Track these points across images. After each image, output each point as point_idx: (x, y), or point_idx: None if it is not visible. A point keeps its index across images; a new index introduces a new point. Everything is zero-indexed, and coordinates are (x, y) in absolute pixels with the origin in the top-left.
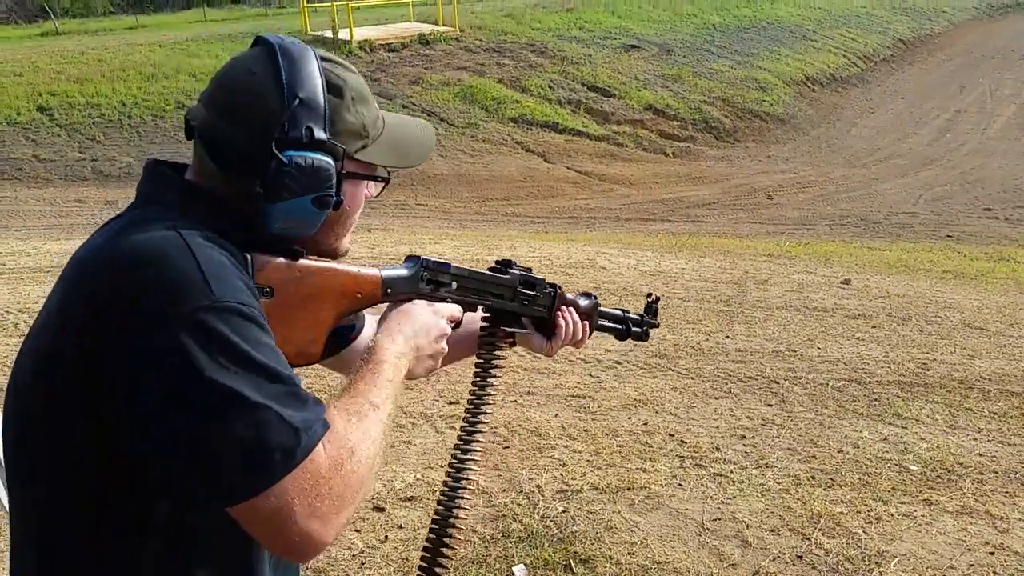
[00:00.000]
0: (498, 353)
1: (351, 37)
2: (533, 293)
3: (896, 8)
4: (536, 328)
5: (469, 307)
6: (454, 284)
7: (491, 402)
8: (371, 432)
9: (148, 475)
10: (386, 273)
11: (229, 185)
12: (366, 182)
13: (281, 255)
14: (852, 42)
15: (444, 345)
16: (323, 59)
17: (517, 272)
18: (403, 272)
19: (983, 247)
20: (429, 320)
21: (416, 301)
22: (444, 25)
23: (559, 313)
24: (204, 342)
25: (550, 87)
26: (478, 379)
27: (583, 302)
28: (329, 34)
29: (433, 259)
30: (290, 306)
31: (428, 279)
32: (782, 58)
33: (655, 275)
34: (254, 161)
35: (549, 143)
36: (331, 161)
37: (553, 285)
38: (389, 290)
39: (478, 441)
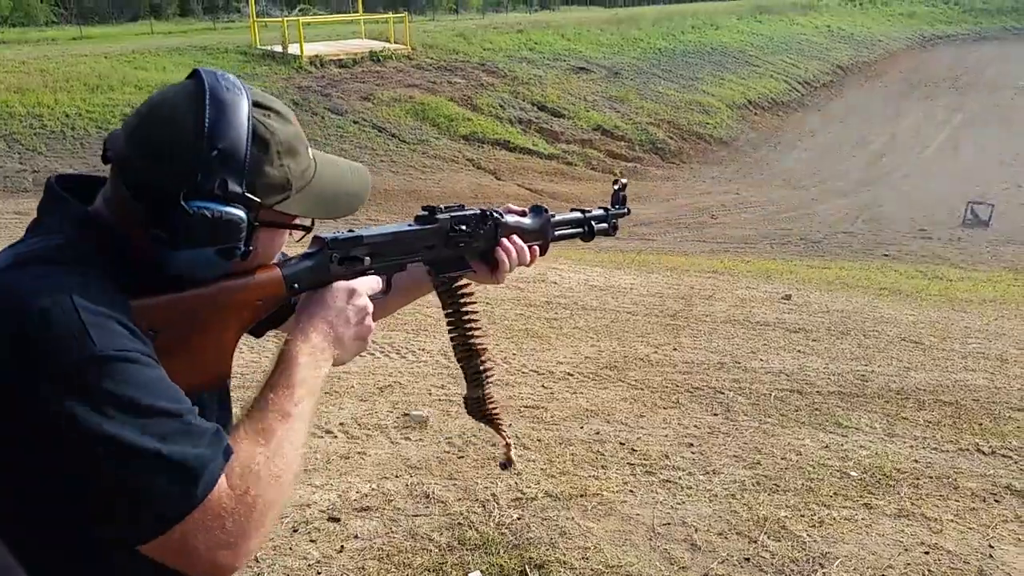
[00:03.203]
0: (460, 291)
1: (301, 52)
2: (468, 231)
3: (835, 36)
4: (482, 259)
5: (398, 270)
6: (367, 259)
7: (476, 330)
8: (281, 448)
9: (58, 515)
10: (288, 270)
11: (133, 219)
12: (289, 229)
13: (169, 289)
14: (793, 68)
15: (369, 323)
16: (257, 105)
17: (445, 216)
18: (307, 263)
19: (918, 265)
20: (344, 304)
21: (330, 286)
22: (396, 43)
23: (500, 244)
24: (88, 396)
25: (501, 106)
26: (452, 321)
27: (529, 222)
28: (279, 49)
29: (342, 234)
30: (185, 339)
31: (340, 258)
32: (725, 82)
33: (604, 290)
34: (161, 203)
35: (500, 160)
36: (242, 215)
37: (490, 214)
38: (296, 284)
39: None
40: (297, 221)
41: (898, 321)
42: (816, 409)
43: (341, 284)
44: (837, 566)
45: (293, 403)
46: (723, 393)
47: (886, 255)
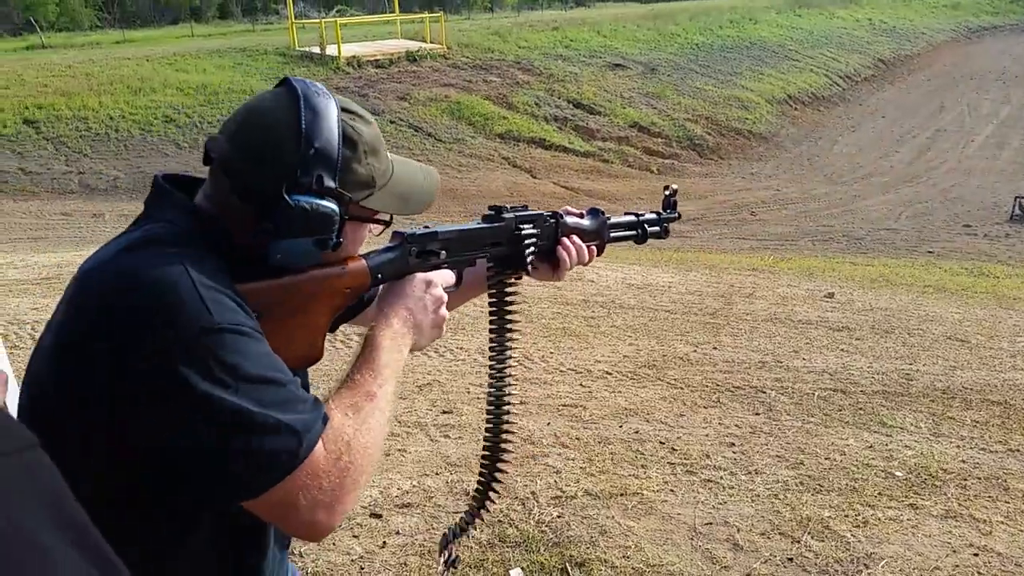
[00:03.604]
0: (508, 291)
1: (339, 53)
2: (533, 231)
3: (876, 29)
4: (544, 258)
5: (468, 265)
6: (443, 253)
7: (512, 338)
8: (368, 422)
9: (165, 477)
10: (372, 261)
11: (238, 215)
12: (369, 224)
13: (265, 275)
14: (833, 62)
15: (444, 312)
16: (343, 110)
17: (511, 216)
18: (389, 255)
19: (963, 262)
20: (423, 293)
21: (409, 277)
22: (432, 42)
23: (560, 244)
24: (208, 364)
25: (536, 104)
26: (495, 319)
27: (587, 223)
28: (317, 50)
29: (420, 230)
30: (282, 322)
31: (417, 252)
32: (764, 77)
33: (643, 288)
34: (265, 199)
35: (536, 159)
36: (335, 208)
37: (554, 214)
38: (380, 275)
39: (509, 376)
40: (377, 216)
41: (944, 319)
42: (860, 408)
43: (419, 275)
44: (882, 567)
45: (378, 384)
46: (765, 392)
47: (930, 252)
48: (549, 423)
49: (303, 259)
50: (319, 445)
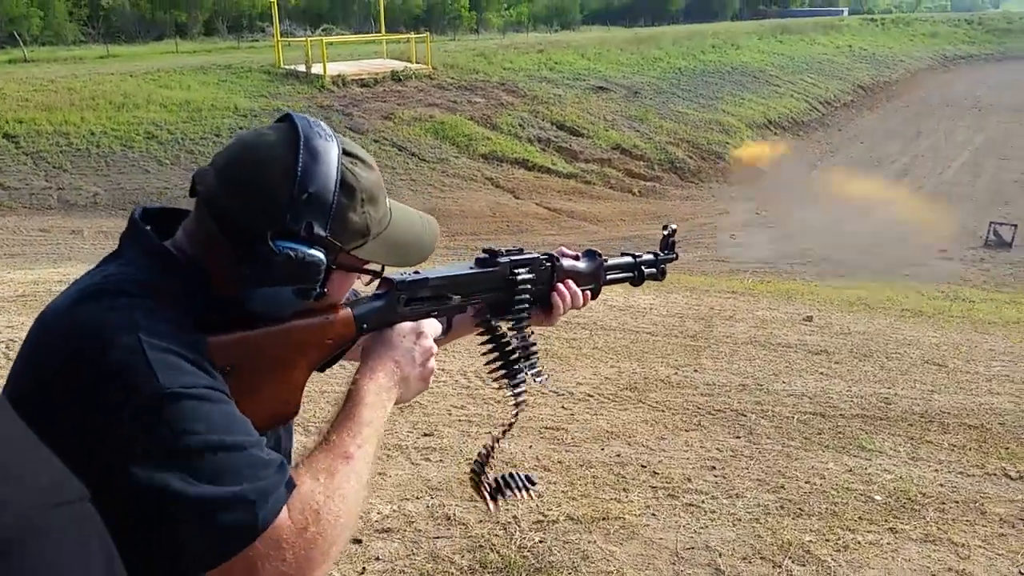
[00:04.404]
0: (499, 334)
1: (324, 72)
2: (528, 276)
3: (856, 56)
4: (538, 302)
5: (458, 312)
6: (431, 302)
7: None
8: (342, 488)
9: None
10: (358, 310)
11: (219, 255)
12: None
13: (239, 327)
14: (813, 87)
15: (432, 364)
16: (345, 153)
17: (506, 260)
18: (376, 303)
19: (940, 287)
20: (412, 344)
21: (397, 326)
22: (417, 63)
23: (555, 289)
24: (156, 434)
25: (520, 125)
26: (496, 360)
27: (583, 266)
28: (303, 68)
29: (409, 277)
30: (256, 377)
31: (406, 300)
32: (745, 102)
33: (624, 310)
34: (248, 241)
35: (519, 180)
36: (322, 257)
37: (550, 257)
38: (365, 325)
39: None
40: (368, 266)
41: (921, 343)
42: (839, 432)
43: (408, 325)
44: None
45: (356, 444)
46: (745, 416)
47: (907, 275)
48: (531, 446)
49: (283, 308)
50: (283, 514)
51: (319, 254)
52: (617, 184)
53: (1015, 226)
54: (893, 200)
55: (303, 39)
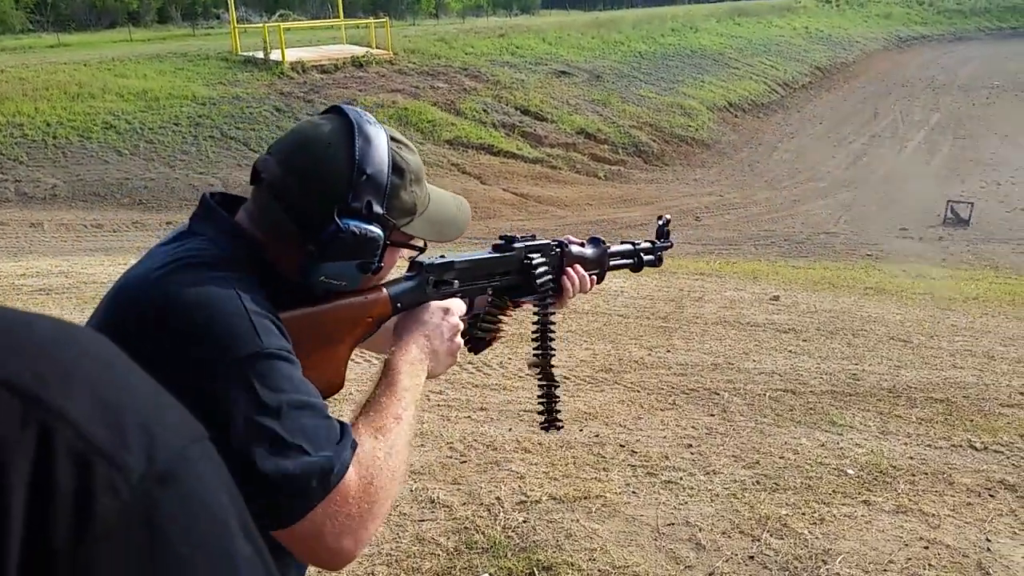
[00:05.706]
0: (502, 318)
1: (283, 58)
2: (541, 260)
3: (813, 37)
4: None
5: (479, 293)
6: (456, 283)
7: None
8: (395, 445)
9: None
10: (393, 290)
11: (284, 236)
12: (403, 249)
13: (296, 303)
14: (772, 70)
15: (459, 340)
16: (391, 139)
17: (521, 245)
18: (409, 284)
19: (901, 265)
20: (440, 321)
21: (426, 305)
22: (377, 48)
23: (565, 273)
24: (255, 388)
25: (484, 110)
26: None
27: (590, 252)
28: (261, 55)
29: (437, 260)
30: (308, 352)
31: (434, 282)
32: (705, 85)
33: (595, 293)
34: (313, 222)
35: (485, 165)
36: (381, 232)
37: (560, 243)
38: (399, 304)
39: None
40: (413, 242)
41: (885, 320)
42: (811, 408)
43: (436, 303)
44: (840, 562)
45: (403, 407)
46: (718, 394)
47: (868, 255)
48: (511, 428)
49: (346, 281)
50: (350, 470)
51: (378, 230)
52: (583, 168)
53: (972, 204)
54: (853, 180)
55: (260, 25)
